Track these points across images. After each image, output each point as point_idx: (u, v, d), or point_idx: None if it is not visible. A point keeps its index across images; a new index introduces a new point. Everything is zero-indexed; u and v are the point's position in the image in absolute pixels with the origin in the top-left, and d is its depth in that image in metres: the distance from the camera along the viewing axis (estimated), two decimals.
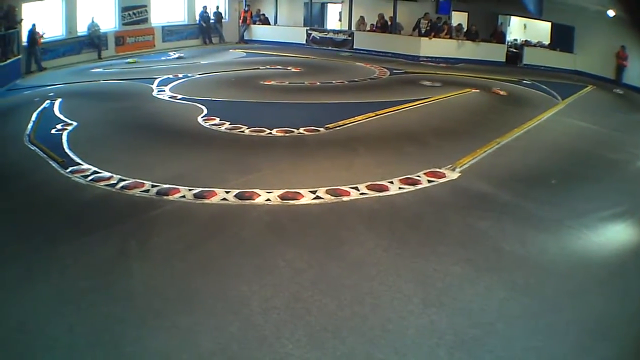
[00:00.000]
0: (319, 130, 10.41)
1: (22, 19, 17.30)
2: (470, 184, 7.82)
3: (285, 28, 25.85)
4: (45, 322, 4.62)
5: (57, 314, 4.73)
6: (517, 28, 22.04)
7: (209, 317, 4.65)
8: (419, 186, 7.71)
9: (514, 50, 20.79)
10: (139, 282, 5.25)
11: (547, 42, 20.48)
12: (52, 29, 19.00)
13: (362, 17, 23.47)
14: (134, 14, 22.03)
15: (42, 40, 18.09)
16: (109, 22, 21.14)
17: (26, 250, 5.87)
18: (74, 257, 5.71)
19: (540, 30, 20.87)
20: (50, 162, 8.59)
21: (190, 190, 7.37)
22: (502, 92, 14.84)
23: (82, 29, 20.10)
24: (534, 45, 20.83)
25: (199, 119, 11.18)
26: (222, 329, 4.48)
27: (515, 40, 21.72)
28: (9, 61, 15.76)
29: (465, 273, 5.42)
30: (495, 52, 20.61)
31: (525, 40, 21.17)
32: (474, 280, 5.29)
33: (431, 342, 4.36)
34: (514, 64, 20.21)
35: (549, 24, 19.99)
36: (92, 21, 20.14)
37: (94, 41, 20.36)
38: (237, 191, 7.33)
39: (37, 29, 17.71)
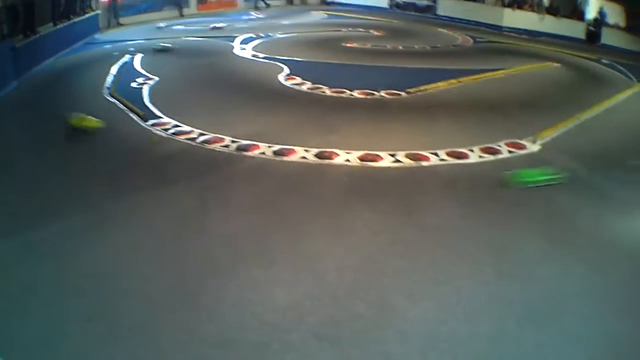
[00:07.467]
0: (400, 95, 10.25)
1: None
2: (550, 157, 7.52)
3: None
4: (119, 270, 4.66)
5: (132, 262, 4.79)
6: (595, 7, 21.28)
7: (284, 272, 4.65)
8: (499, 156, 7.51)
9: (592, 29, 20.25)
10: (217, 234, 5.30)
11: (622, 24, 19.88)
12: None
13: None
14: None
15: None
16: None
17: (108, 197, 5.98)
18: (153, 207, 5.81)
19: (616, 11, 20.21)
20: (131, 115, 8.74)
21: (270, 147, 7.38)
22: None
23: None
24: (612, 26, 20.14)
25: (280, 78, 11.17)
26: (296, 285, 4.47)
27: (596, 19, 20.92)
28: (87, 16, 16.05)
29: (541, 247, 5.27)
30: (574, 29, 20.32)
31: (603, 21, 20.38)
32: (549, 255, 5.15)
33: (501, 312, 4.28)
34: (593, 42, 19.71)
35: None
36: None
37: None
38: (317, 150, 7.29)
39: None
